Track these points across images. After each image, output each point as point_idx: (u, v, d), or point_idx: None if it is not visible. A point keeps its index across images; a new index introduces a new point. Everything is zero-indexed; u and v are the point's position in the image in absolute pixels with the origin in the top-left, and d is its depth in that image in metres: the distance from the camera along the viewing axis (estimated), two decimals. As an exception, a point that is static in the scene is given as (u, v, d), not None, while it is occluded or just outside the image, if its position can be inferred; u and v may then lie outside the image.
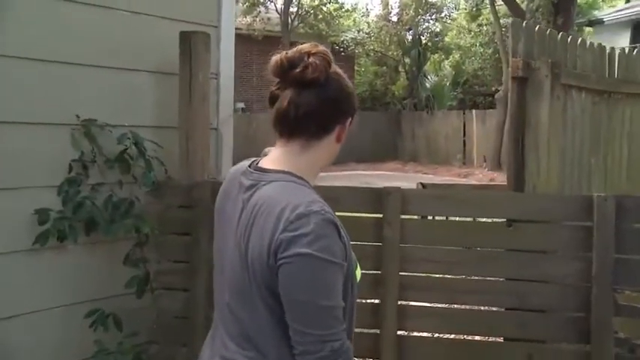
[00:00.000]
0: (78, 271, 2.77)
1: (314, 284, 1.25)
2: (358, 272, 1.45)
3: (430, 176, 17.49)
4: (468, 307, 2.73)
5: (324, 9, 23.75)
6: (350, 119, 1.43)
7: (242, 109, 24.44)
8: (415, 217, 2.66)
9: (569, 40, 3.25)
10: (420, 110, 22.87)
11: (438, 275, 2.64)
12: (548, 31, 3.07)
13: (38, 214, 2.56)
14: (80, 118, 2.70)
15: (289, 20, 23.06)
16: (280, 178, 1.36)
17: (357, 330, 1.47)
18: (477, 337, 2.97)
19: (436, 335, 2.67)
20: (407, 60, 24.41)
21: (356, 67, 26.44)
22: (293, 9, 23.55)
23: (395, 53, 25.26)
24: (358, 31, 24.90)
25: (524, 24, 2.86)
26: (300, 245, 1.23)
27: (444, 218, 2.91)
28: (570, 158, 3.14)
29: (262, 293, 1.31)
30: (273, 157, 1.43)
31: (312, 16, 23.73)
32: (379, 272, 2.62)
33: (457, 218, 2.70)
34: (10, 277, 2.58)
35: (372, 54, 25.72)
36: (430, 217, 3.01)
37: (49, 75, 2.67)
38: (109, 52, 2.85)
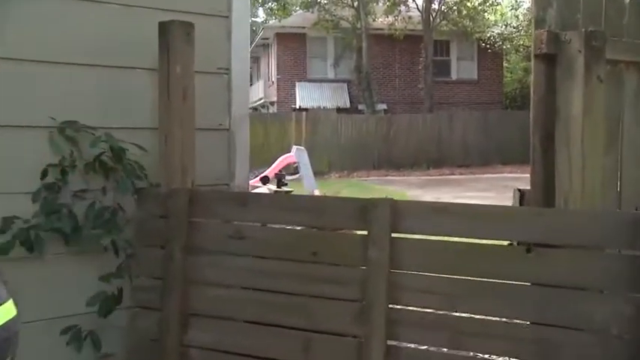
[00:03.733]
0: (57, 283, 2.59)
1: None
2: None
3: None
4: (475, 354, 2.11)
5: (468, 4, 22.64)
6: None
7: (384, 110, 24.04)
8: (410, 235, 2.12)
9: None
10: (575, 108, 20.96)
11: (437, 311, 2.07)
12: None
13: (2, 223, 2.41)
14: (59, 120, 2.53)
15: (431, 18, 22.30)
16: None
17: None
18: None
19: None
20: (561, 54, 22.52)
21: (505, 64, 24.97)
22: (435, 6, 22.78)
23: (548, 47, 23.40)
24: (506, 26, 23.38)
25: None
26: None
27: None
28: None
29: None
30: None
31: (455, 12, 22.75)
32: (363, 303, 2.12)
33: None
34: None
35: (521, 49, 24.04)
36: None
37: (24, 74, 2.52)
38: (94, 48, 2.65)
